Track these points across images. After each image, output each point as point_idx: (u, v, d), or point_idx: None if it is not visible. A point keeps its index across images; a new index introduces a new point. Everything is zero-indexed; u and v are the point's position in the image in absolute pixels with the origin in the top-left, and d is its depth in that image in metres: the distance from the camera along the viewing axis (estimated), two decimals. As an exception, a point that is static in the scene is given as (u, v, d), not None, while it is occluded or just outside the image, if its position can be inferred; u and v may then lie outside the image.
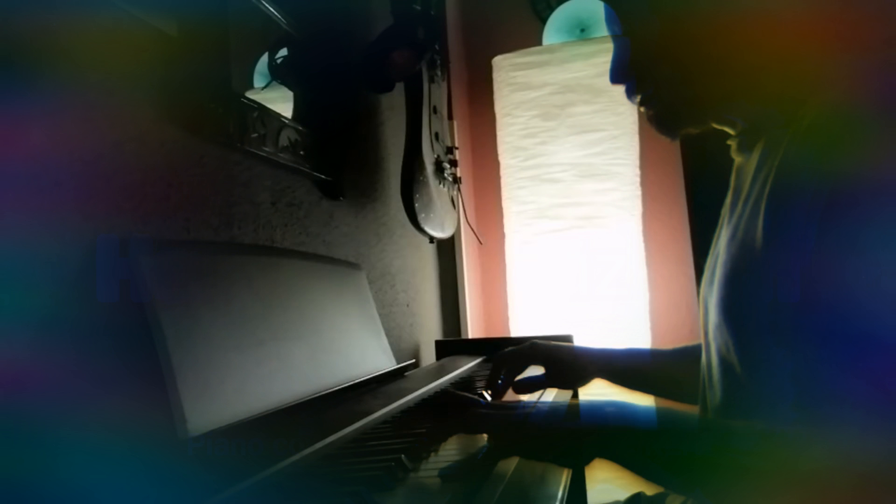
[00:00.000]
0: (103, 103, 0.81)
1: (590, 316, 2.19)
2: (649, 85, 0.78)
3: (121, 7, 0.84)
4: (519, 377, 1.08)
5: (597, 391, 1.10)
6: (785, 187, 0.66)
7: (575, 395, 1.14)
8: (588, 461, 0.67)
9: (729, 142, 0.81)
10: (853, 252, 0.59)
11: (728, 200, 0.79)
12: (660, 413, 0.69)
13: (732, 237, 0.72)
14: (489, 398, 1.04)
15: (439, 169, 1.73)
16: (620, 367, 1.08)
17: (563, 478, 0.70)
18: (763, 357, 0.67)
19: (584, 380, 1.08)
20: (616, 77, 0.80)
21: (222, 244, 1.00)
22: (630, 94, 0.80)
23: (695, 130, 0.80)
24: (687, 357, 1.00)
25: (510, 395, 1.07)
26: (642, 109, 0.80)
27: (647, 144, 2.35)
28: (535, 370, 1.11)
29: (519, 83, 2.35)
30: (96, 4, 0.80)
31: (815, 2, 0.71)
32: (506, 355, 1.09)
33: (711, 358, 0.76)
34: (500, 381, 1.06)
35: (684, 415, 0.72)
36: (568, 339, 1.62)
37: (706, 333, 0.77)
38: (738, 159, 0.80)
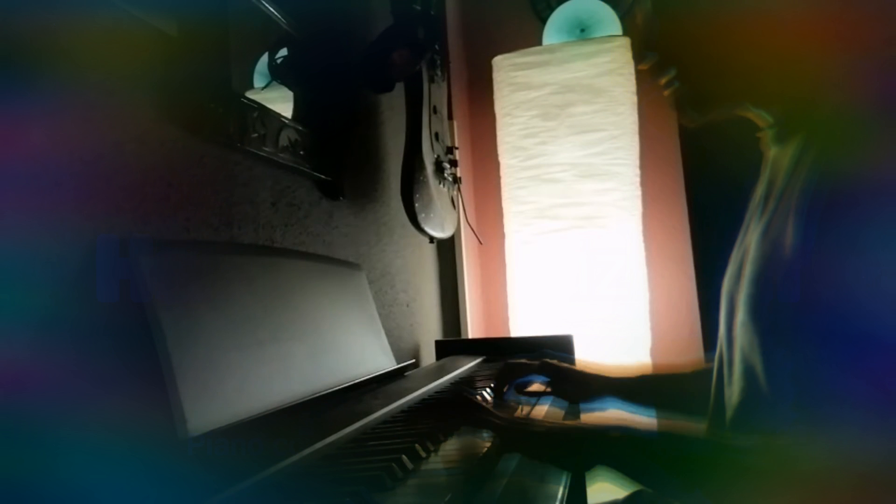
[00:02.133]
0: (103, 103, 0.81)
1: (590, 316, 2.19)
2: (678, 65, 0.77)
3: (121, 7, 0.84)
4: (524, 390, 1.08)
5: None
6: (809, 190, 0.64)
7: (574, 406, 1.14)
8: (589, 467, 0.67)
9: (760, 133, 0.79)
10: (853, 252, 0.59)
11: (760, 192, 0.77)
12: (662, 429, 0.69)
13: (764, 233, 0.71)
14: (489, 398, 1.04)
15: (439, 169, 1.73)
16: (631, 386, 1.06)
17: (563, 478, 0.70)
18: (763, 356, 0.67)
19: (593, 398, 1.08)
20: (642, 50, 0.79)
21: (222, 244, 1.00)
22: (659, 70, 0.79)
23: (723, 116, 0.78)
24: (699, 378, 0.98)
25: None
26: (666, 94, 0.79)
27: (647, 144, 2.35)
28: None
29: (519, 83, 2.35)
30: (96, 4, 0.80)
31: (815, 2, 0.71)
32: (515, 366, 1.09)
33: (734, 355, 0.75)
34: (504, 391, 1.06)
35: (689, 435, 0.71)
36: (568, 339, 1.62)
37: (728, 329, 0.77)
38: (771, 150, 0.78)
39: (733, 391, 0.75)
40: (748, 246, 0.74)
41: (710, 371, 0.91)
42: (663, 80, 0.78)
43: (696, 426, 0.83)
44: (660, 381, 1.09)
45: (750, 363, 0.71)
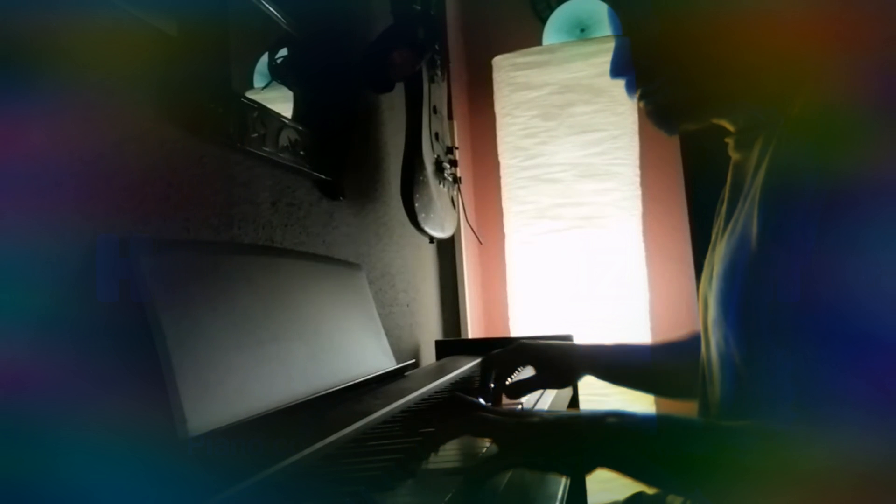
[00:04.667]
0: (103, 103, 0.81)
1: (590, 316, 2.19)
2: (648, 81, 0.78)
3: (121, 7, 0.84)
4: (511, 380, 1.08)
5: (594, 391, 1.10)
6: (779, 183, 0.66)
7: (574, 399, 1.14)
8: (589, 469, 0.67)
9: (727, 139, 0.80)
10: (853, 252, 0.59)
11: (725, 197, 0.79)
12: (660, 417, 0.69)
13: (732, 232, 0.72)
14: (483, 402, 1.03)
15: (439, 169, 1.73)
16: (610, 363, 1.07)
17: (564, 478, 0.70)
18: (763, 357, 0.67)
19: (574, 377, 1.08)
20: (616, 72, 0.80)
21: (222, 244, 1.00)
22: (630, 89, 0.80)
23: (693, 127, 0.80)
24: (677, 352, 1.00)
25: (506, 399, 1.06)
26: (641, 104, 0.80)
27: (647, 144, 2.35)
28: (527, 371, 1.10)
29: (519, 83, 2.35)
30: (96, 4, 0.80)
31: (815, 2, 0.71)
32: (494, 358, 1.08)
33: (711, 353, 0.76)
34: (491, 385, 1.05)
35: (684, 418, 0.72)
36: (568, 339, 1.62)
37: (705, 329, 0.77)
38: (735, 157, 0.80)
39: (714, 388, 0.75)
40: (718, 247, 0.75)
41: (682, 346, 0.92)
42: (636, 99, 0.80)
43: (693, 418, 0.84)
44: (640, 354, 1.09)
45: (727, 358, 0.71)
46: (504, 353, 1.08)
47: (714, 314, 0.73)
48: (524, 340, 1.10)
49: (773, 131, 0.71)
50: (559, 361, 1.07)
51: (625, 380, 1.09)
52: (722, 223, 0.78)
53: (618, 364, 1.07)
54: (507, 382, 1.06)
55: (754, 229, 0.67)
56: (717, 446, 0.63)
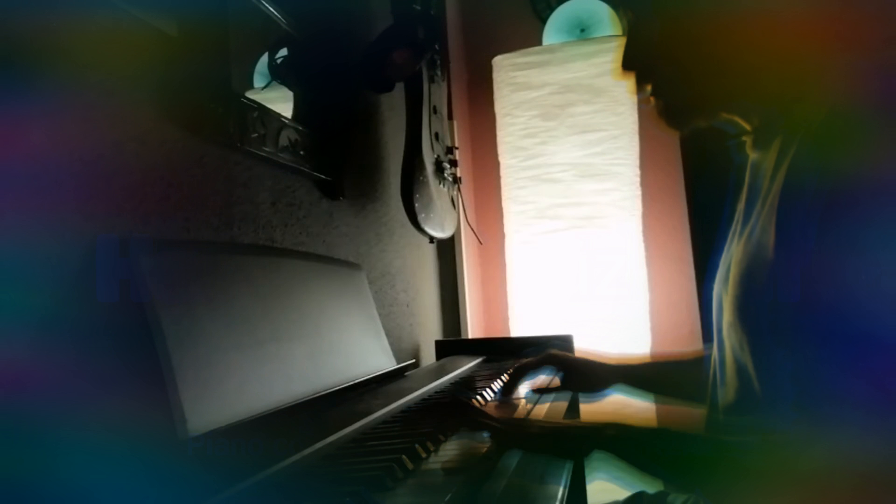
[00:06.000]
0: (103, 103, 0.81)
1: (590, 316, 2.19)
2: (648, 82, 0.78)
3: (121, 7, 0.84)
4: (537, 385, 1.10)
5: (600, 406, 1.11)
6: (790, 187, 0.65)
7: (574, 401, 1.15)
8: (587, 453, 0.67)
9: (744, 138, 0.80)
10: (853, 252, 0.59)
11: (743, 197, 0.78)
12: (659, 429, 0.70)
13: (749, 236, 0.72)
14: (489, 397, 1.04)
15: (439, 169, 1.73)
16: (637, 373, 1.09)
17: (563, 477, 0.70)
18: (763, 357, 0.67)
19: (602, 386, 1.09)
20: (618, 73, 0.80)
21: (222, 244, 1.00)
22: (638, 87, 0.80)
23: (704, 124, 0.79)
24: (700, 364, 1.00)
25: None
26: (651, 101, 0.79)
27: (647, 144, 2.35)
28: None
29: (519, 83, 2.35)
30: (96, 4, 0.80)
31: (815, 2, 0.71)
32: (526, 365, 1.10)
33: (725, 356, 0.75)
34: (514, 390, 1.07)
35: (683, 430, 0.73)
36: (568, 339, 1.62)
37: (719, 331, 0.77)
38: (752, 155, 0.79)
39: (727, 391, 0.75)
40: (735, 249, 0.75)
41: (703, 360, 0.93)
42: (647, 96, 0.80)
43: (694, 420, 0.84)
44: (665, 368, 1.10)
45: (741, 362, 0.71)
46: (533, 359, 1.10)
47: (729, 318, 0.73)
48: (554, 350, 1.12)
49: (792, 136, 0.70)
50: (588, 371, 1.09)
51: (654, 388, 1.10)
52: (739, 225, 0.77)
53: (648, 374, 1.08)
54: (533, 388, 1.08)
55: (771, 238, 0.66)
56: (717, 446, 0.63)
